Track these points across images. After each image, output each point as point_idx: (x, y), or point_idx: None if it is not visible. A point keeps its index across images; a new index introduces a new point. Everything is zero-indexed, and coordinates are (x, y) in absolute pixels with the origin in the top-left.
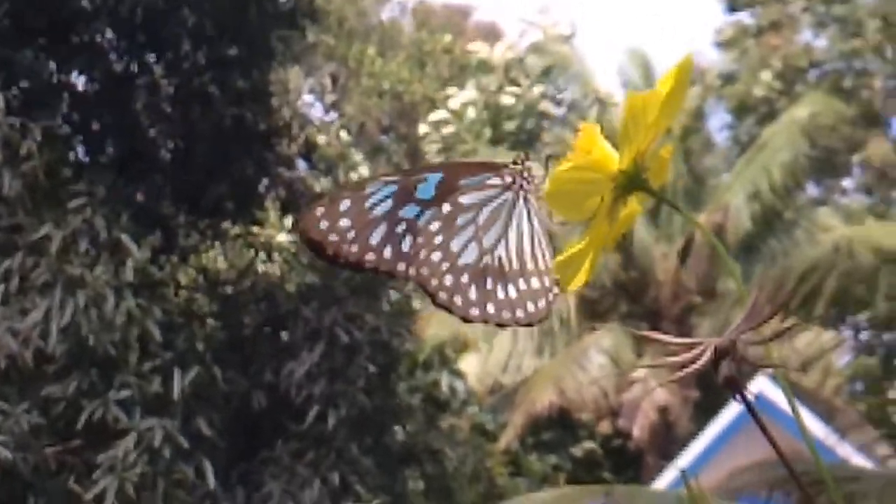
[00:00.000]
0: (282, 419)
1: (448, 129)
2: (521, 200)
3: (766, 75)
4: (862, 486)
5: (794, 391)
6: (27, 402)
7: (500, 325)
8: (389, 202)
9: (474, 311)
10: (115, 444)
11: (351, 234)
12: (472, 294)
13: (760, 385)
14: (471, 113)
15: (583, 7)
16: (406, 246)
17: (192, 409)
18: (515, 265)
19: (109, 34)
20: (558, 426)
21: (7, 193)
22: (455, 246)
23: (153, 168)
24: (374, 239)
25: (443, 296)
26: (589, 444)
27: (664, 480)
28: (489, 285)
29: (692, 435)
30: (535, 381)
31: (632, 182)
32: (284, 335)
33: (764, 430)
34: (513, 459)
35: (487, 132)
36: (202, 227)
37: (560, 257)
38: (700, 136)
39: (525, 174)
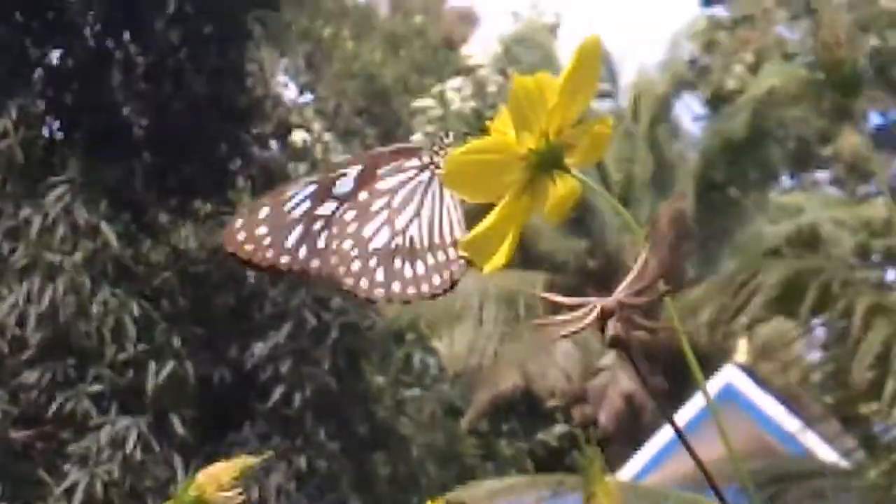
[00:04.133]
0: (247, 399)
1: (433, 113)
2: (437, 179)
3: (738, 68)
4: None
5: (763, 381)
6: (0, 389)
7: (406, 302)
8: (308, 202)
9: (378, 292)
10: (89, 436)
11: (267, 241)
12: (379, 275)
13: (730, 375)
14: (456, 100)
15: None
16: (322, 242)
17: (163, 403)
18: (426, 242)
19: (84, 10)
20: (529, 412)
21: None
22: (367, 231)
23: (126, 146)
24: (290, 241)
25: (349, 281)
26: (560, 429)
27: (631, 468)
28: (397, 265)
29: (659, 423)
30: (500, 364)
31: (547, 161)
32: (252, 315)
33: (679, 432)
34: (484, 443)
35: (472, 116)
36: (173, 206)
37: (467, 236)
38: (668, 125)
39: (442, 153)
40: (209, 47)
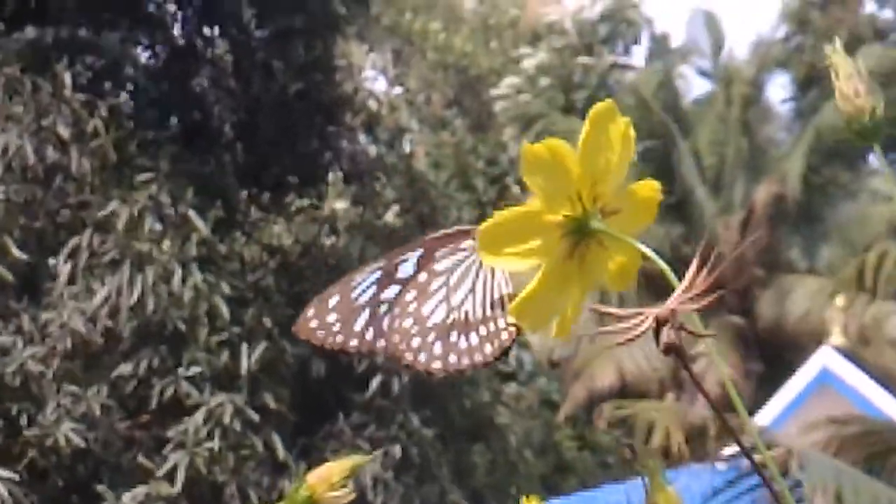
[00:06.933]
0: (344, 390)
1: (522, 98)
2: None
3: (830, 48)
4: None
5: (860, 363)
6: (97, 384)
7: (461, 371)
8: (374, 288)
9: (437, 365)
10: (186, 420)
11: (337, 327)
12: (437, 349)
13: (826, 359)
14: (543, 81)
15: None
16: (386, 324)
17: (259, 383)
18: (479, 315)
19: (171, 7)
20: (626, 397)
21: (76, 171)
22: (426, 310)
23: (216, 142)
24: (358, 325)
25: (408, 356)
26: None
27: (730, 452)
28: (453, 338)
29: (756, 407)
30: (595, 356)
31: (584, 227)
32: None
33: (702, 390)
34: (580, 433)
35: (560, 99)
36: (265, 202)
37: (514, 302)
38: (759, 107)
39: None
40: (297, 42)
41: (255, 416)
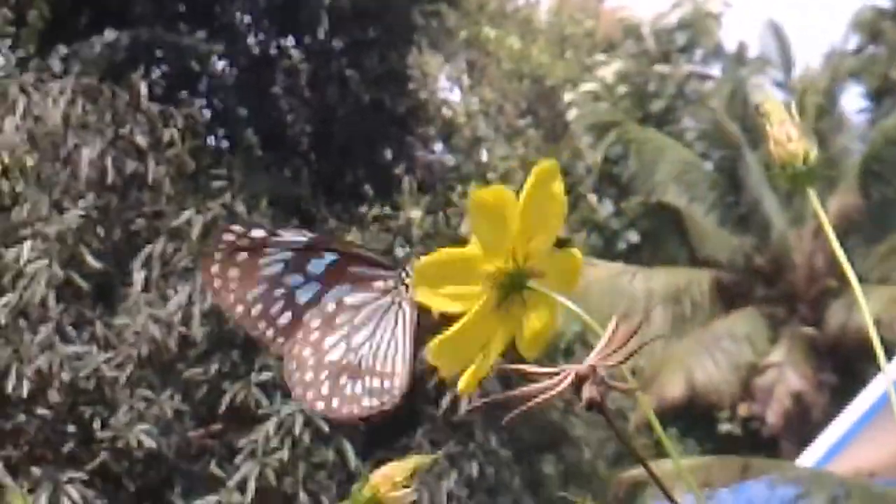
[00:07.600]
0: (418, 404)
1: (597, 106)
2: (396, 305)
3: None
4: None
5: None
6: (170, 388)
7: (338, 420)
8: (281, 266)
9: (320, 405)
10: (256, 429)
11: (234, 284)
12: (324, 389)
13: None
14: (620, 88)
15: None
16: (275, 311)
17: None
18: (370, 364)
19: (248, 17)
20: (696, 408)
21: (152, 180)
22: (327, 343)
23: (291, 152)
24: (251, 295)
25: (298, 390)
26: (727, 427)
27: (801, 463)
28: (342, 381)
29: (828, 419)
30: (666, 366)
31: (515, 282)
32: (419, 321)
33: (613, 426)
34: (655, 441)
35: (636, 108)
36: (339, 211)
37: (435, 341)
38: (833, 118)
39: (406, 280)
40: (371, 52)
41: (326, 427)
